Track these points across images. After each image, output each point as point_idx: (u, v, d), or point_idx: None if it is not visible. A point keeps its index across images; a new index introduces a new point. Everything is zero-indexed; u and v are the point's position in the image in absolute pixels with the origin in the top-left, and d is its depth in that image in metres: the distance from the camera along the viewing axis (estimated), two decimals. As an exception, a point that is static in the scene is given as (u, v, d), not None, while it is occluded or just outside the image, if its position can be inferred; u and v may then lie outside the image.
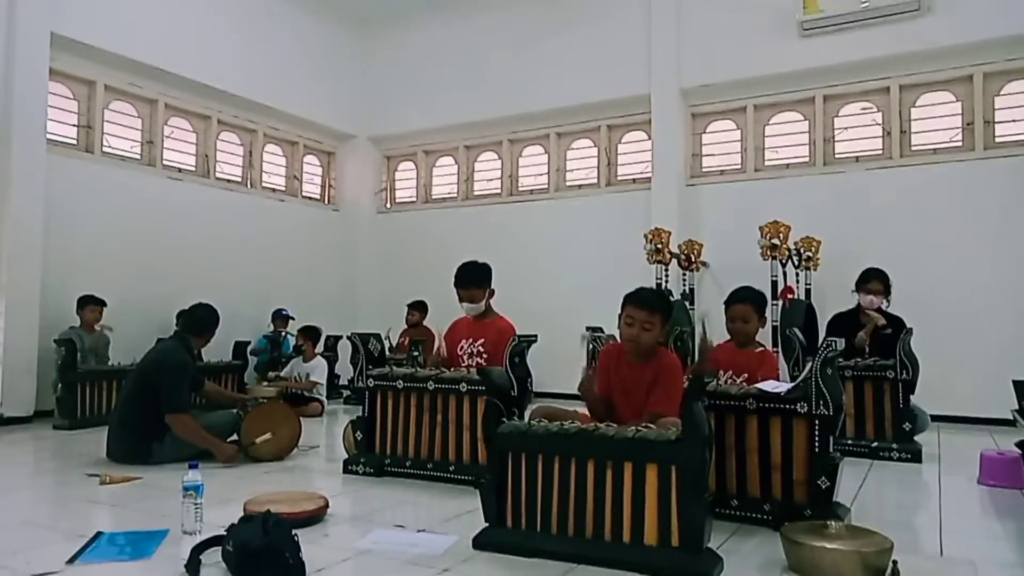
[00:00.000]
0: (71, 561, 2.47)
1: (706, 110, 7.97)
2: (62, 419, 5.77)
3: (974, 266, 6.56)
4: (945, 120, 6.98)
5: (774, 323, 5.93)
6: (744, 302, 3.65)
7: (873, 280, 5.10)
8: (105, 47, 6.84)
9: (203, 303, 4.81)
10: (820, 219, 6.83)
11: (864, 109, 7.34)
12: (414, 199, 9.82)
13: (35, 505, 3.52)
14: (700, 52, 7.69)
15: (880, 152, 7.19)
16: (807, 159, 7.49)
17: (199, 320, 4.69)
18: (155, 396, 4.23)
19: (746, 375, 3.52)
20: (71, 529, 2.86)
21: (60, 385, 5.81)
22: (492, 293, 4.29)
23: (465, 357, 4.21)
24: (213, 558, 2.41)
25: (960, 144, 6.88)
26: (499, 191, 9.12)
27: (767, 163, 7.69)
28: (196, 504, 2.76)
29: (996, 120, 6.75)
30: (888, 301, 5.16)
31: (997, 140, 6.73)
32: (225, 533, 2.40)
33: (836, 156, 7.39)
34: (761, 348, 3.74)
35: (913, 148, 7.07)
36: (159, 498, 3.42)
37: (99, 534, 2.74)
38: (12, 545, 2.69)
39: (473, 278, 4.21)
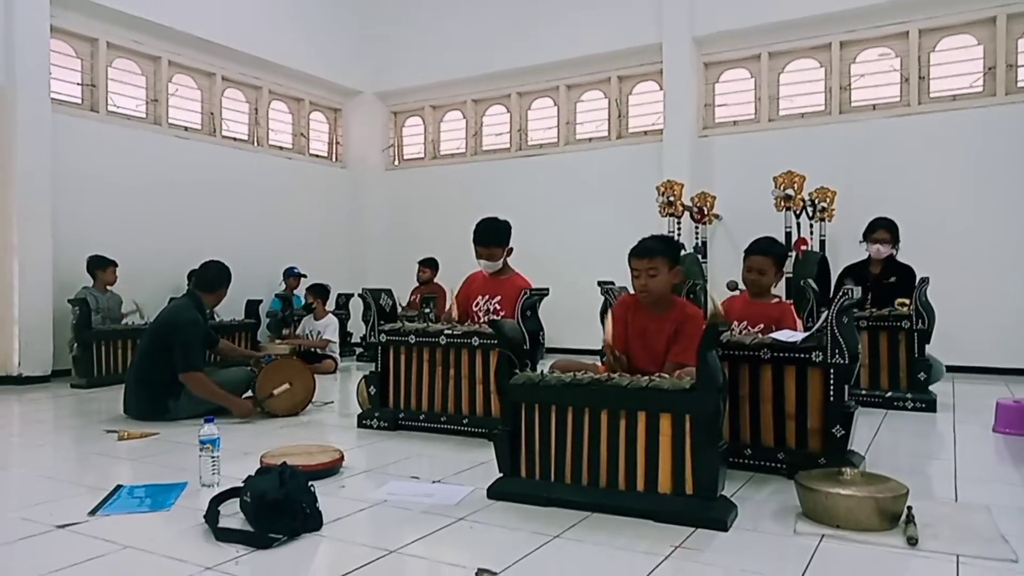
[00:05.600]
0: (92, 513, 2.51)
1: (719, 59, 7.78)
2: (79, 378, 5.85)
3: (993, 215, 6.44)
4: (966, 65, 6.78)
5: (788, 275, 5.87)
6: (765, 254, 3.60)
7: (880, 229, 5.02)
8: (105, 3, 6.72)
9: (214, 260, 4.80)
10: (835, 169, 6.73)
11: (882, 55, 7.14)
12: (422, 155, 9.72)
13: (56, 460, 3.58)
14: (713, -2, 7.48)
15: (898, 99, 7.02)
16: (823, 108, 7.33)
17: (209, 276, 4.69)
18: (169, 354, 4.26)
19: (762, 325, 3.48)
20: (91, 483, 2.91)
21: (76, 344, 5.87)
22: (511, 251, 4.25)
23: (481, 313, 4.18)
24: (231, 509, 2.44)
25: (981, 89, 6.70)
26: (508, 145, 9.01)
27: (781, 112, 7.53)
28: (213, 457, 2.79)
29: (1020, 64, 6.54)
30: (897, 250, 5.08)
31: (1020, 84, 6.54)
32: (242, 485, 2.43)
33: (853, 104, 7.22)
34: (777, 299, 3.70)
35: (932, 95, 6.89)
36: (176, 452, 3.47)
37: (119, 487, 2.78)
38: (35, 498, 2.75)
39: (494, 235, 4.15)
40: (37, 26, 6.21)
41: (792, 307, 3.70)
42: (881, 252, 4.99)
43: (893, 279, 4.86)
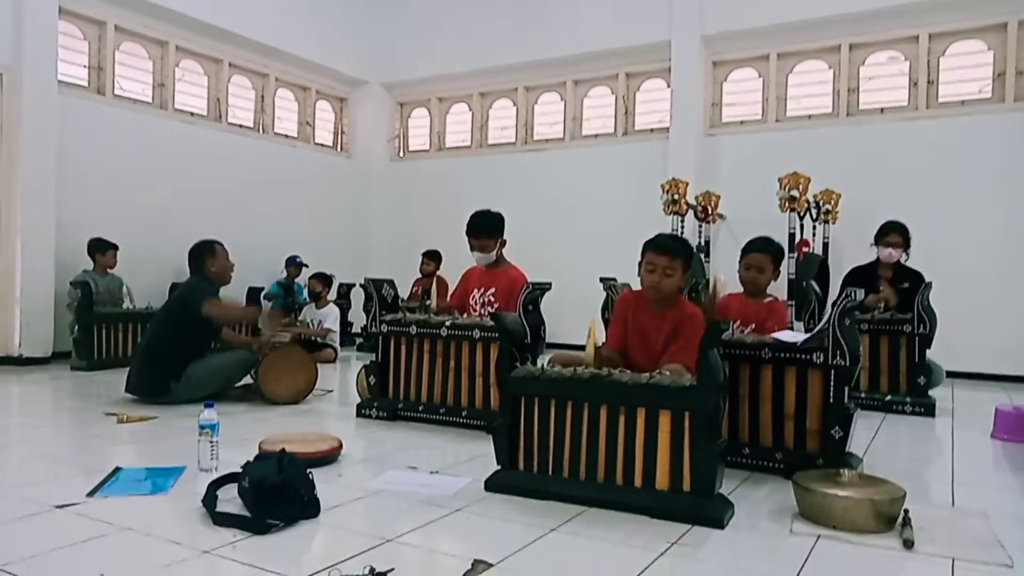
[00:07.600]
0: (91, 494, 2.52)
1: (728, 58, 7.75)
2: (79, 360, 5.86)
3: (998, 222, 6.43)
4: (975, 70, 6.76)
5: (790, 276, 5.86)
6: (762, 252, 3.59)
7: (892, 233, 5.01)
8: (114, -14, 6.72)
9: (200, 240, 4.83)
10: (841, 172, 6.71)
11: (891, 58, 7.12)
12: (427, 147, 9.71)
13: (55, 441, 3.59)
14: (723, -3, 7.45)
15: (906, 104, 6.99)
16: (830, 110, 7.31)
17: (193, 256, 4.72)
18: (181, 330, 4.34)
19: (753, 325, 3.49)
20: (90, 464, 2.91)
21: (77, 327, 5.88)
22: (504, 243, 4.25)
23: (477, 306, 4.20)
24: (229, 494, 2.44)
25: (990, 96, 6.68)
26: (514, 140, 8.99)
27: (789, 114, 7.51)
28: (212, 442, 2.80)
29: (1029, 70, 6.53)
30: (907, 254, 5.07)
31: (1029, 91, 6.52)
32: (241, 470, 2.43)
33: (860, 107, 7.20)
34: (770, 299, 3.69)
35: (940, 100, 6.87)
36: (176, 437, 3.48)
37: (118, 469, 2.79)
38: (34, 478, 2.76)
39: (486, 227, 4.16)
40: (45, 7, 6.20)
41: (784, 306, 3.70)
42: (892, 256, 4.99)
43: (907, 285, 4.85)
